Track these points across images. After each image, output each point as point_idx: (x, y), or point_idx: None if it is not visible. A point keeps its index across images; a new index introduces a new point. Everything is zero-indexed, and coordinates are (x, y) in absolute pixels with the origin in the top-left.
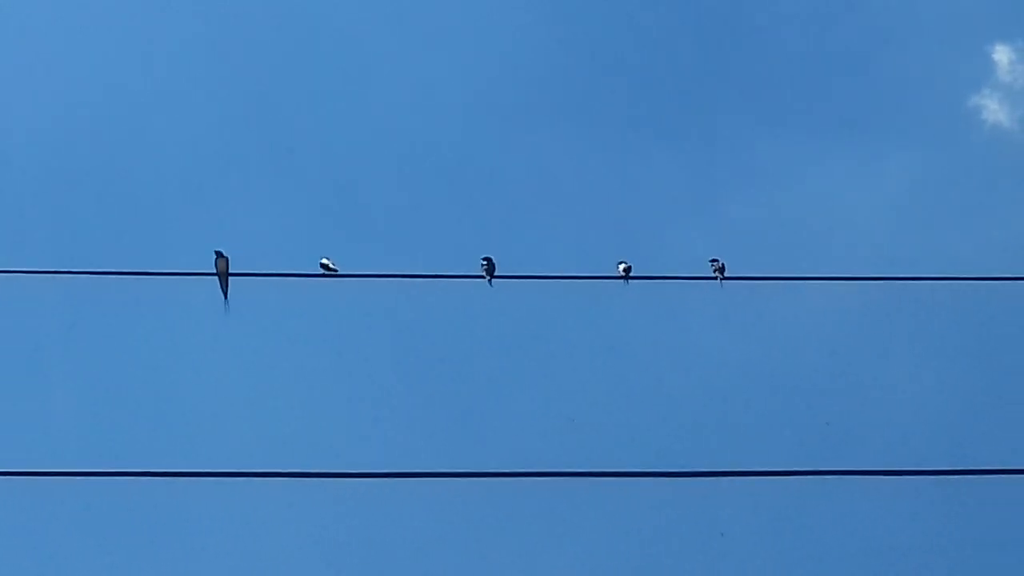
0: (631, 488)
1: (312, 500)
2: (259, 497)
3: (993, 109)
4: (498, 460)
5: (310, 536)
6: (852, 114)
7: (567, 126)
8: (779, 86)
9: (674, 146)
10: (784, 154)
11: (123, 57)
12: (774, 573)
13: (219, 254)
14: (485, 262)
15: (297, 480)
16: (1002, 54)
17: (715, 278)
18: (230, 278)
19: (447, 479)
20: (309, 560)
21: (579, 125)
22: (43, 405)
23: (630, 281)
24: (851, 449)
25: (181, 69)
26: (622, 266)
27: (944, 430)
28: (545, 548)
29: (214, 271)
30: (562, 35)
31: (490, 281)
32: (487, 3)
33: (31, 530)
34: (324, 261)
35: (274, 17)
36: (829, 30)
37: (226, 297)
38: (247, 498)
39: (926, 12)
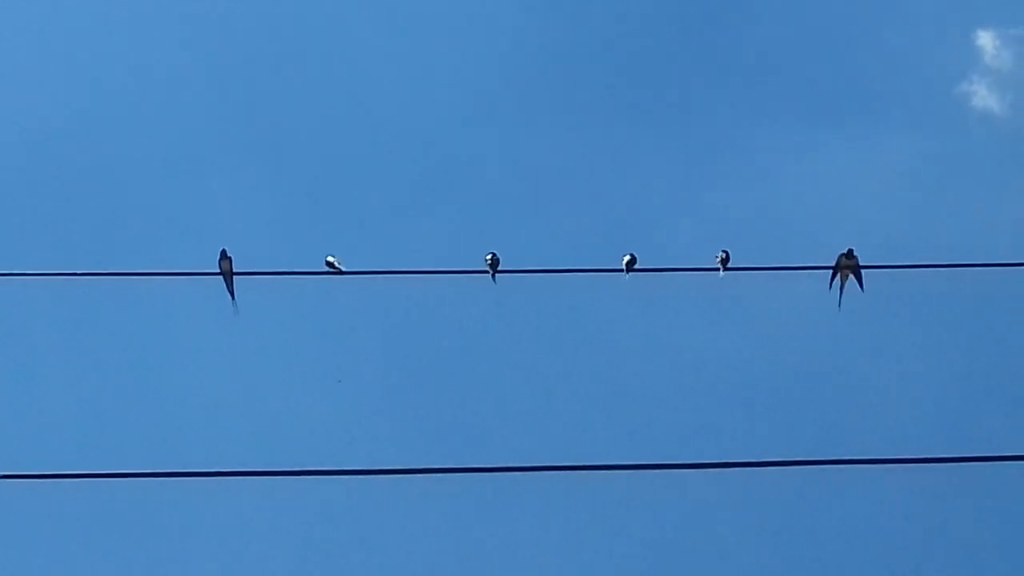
0: (630, 481)
1: (315, 498)
2: (263, 495)
3: (982, 95)
4: (503, 455)
5: (312, 534)
6: (842, 103)
7: (562, 120)
8: (769, 75)
9: (665, 137)
10: (776, 143)
11: (121, 54)
12: (774, 564)
13: (223, 254)
14: (490, 257)
15: (302, 478)
16: (986, 40)
17: (716, 269)
18: (235, 277)
19: (451, 475)
20: (314, 557)
21: (573, 119)
22: (44, 406)
23: (630, 274)
24: (850, 438)
25: (181, 66)
26: (626, 258)
27: (941, 417)
28: (549, 543)
29: (218, 271)
30: (554, 29)
31: (494, 277)
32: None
33: (30, 531)
34: (330, 259)
35: (273, 13)
36: (815, 19)
37: (233, 297)
38: (251, 497)
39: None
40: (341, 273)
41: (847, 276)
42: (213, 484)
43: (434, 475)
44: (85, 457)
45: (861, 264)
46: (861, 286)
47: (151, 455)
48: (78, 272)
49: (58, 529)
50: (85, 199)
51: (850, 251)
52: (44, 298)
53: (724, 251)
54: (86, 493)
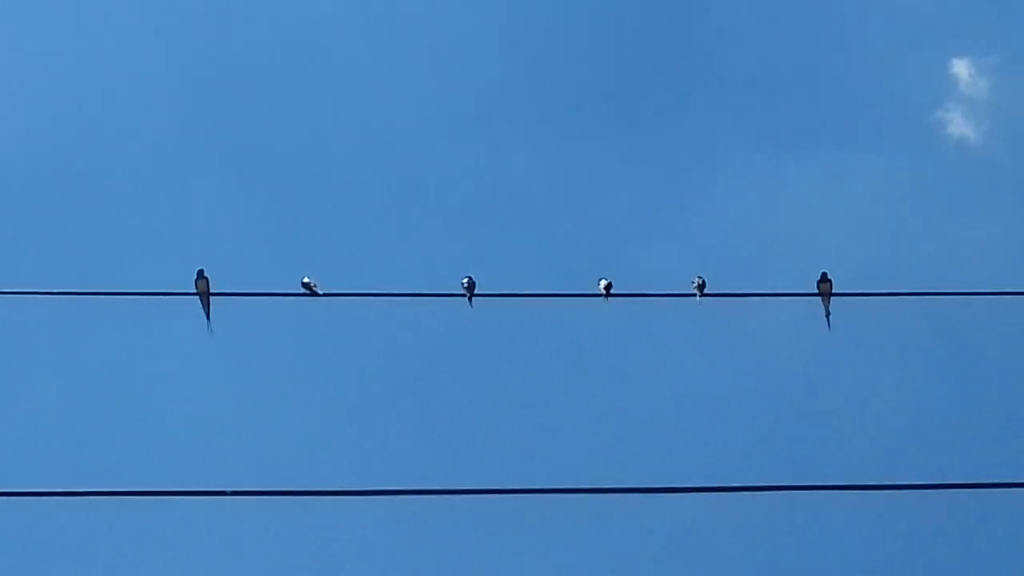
0: (609, 504)
1: (294, 518)
2: (239, 515)
3: (958, 123)
4: (477, 477)
5: (291, 554)
6: (820, 128)
7: (539, 145)
8: (747, 101)
9: (643, 161)
10: (753, 167)
11: (99, 73)
12: None
13: (200, 274)
14: (466, 281)
15: (279, 498)
16: (961, 68)
17: (693, 295)
18: (212, 298)
19: (428, 496)
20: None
21: (550, 144)
22: (21, 424)
23: (610, 298)
24: (825, 462)
25: (160, 88)
26: (603, 283)
27: (915, 441)
28: (521, 562)
29: (195, 291)
30: (531, 52)
31: (470, 300)
32: (463, 20)
33: (10, 550)
34: (306, 280)
35: (252, 33)
36: (794, 45)
37: (208, 317)
38: (227, 516)
39: (884, 27)
40: (317, 295)
41: (827, 299)
42: (182, 503)
43: (408, 496)
44: (56, 476)
45: (834, 291)
46: (827, 313)
47: (124, 473)
48: (54, 292)
49: (33, 548)
50: (62, 218)
51: (823, 275)
52: (19, 316)
53: (700, 277)
54: (67, 511)
